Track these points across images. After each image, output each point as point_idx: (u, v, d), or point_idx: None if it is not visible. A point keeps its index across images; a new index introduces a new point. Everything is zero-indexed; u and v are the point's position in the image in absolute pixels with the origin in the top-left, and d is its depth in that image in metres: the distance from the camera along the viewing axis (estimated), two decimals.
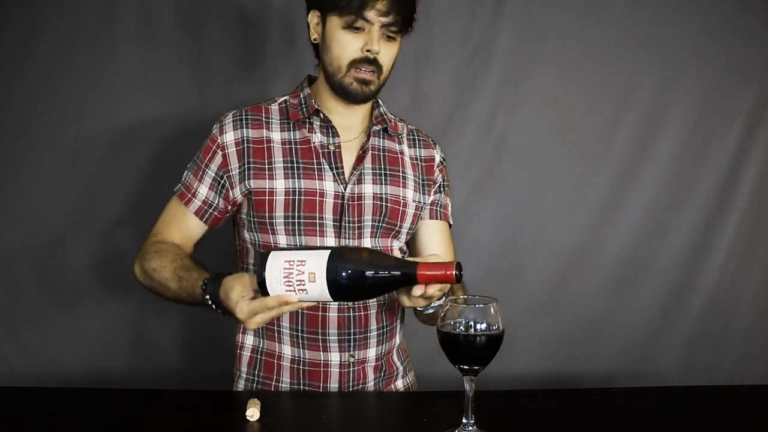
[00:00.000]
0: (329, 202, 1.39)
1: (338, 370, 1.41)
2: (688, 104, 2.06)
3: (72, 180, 1.91)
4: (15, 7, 1.86)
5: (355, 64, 1.36)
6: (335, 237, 1.39)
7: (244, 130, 1.41)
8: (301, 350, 1.41)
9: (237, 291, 1.17)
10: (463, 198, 1.98)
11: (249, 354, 1.46)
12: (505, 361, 1.83)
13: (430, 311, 1.26)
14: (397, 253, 1.47)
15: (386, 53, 1.37)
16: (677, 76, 2.06)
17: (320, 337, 1.40)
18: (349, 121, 1.46)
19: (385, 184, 1.44)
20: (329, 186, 1.40)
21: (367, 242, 1.42)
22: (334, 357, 1.41)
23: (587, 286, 2.07)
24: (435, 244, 1.51)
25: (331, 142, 1.42)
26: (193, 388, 1.54)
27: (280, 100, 1.47)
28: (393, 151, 1.49)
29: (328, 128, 1.43)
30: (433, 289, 1.12)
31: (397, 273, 1.09)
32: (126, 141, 1.92)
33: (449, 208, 1.56)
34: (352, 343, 1.41)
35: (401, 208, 1.45)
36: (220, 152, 1.41)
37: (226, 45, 1.94)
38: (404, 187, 1.47)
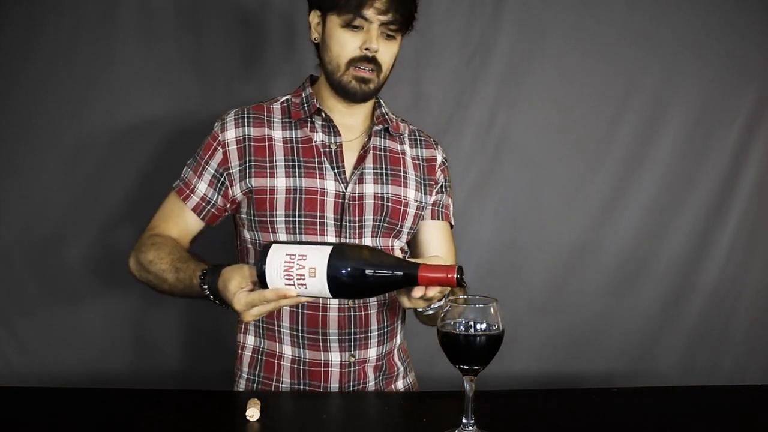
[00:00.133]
0: (330, 201, 1.39)
1: (339, 369, 1.41)
2: (688, 104, 2.07)
3: (72, 180, 1.91)
4: (15, 7, 1.87)
5: (354, 62, 1.36)
6: (336, 236, 1.39)
7: (246, 128, 1.41)
8: (302, 350, 1.41)
9: (235, 282, 1.17)
10: (463, 198, 1.98)
11: (250, 354, 1.46)
12: (505, 361, 1.83)
13: (430, 312, 1.26)
14: (399, 253, 1.47)
15: (385, 52, 1.37)
16: (677, 76, 2.06)
17: (320, 336, 1.40)
18: (351, 121, 1.46)
19: (387, 183, 1.44)
20: (330, 185, 1.40)
21: (367, 242, 1.42)
22: (335, 357, 1.41)
23: (587, 286, 2.07)
24: (436, 244, 1.51)
25: (332, 141, 1.43)
26: (193, 388, 1.54)
27: (281, 100, 1.47)
28: (394, 151, 1.49)
29: (330, 127, 1.43)
30: (434, 292, 1.12)
31: (398, 273, 1.09)
32: (126, 141, 1.92)
33: (451, 209, 1.56)
34: (352, 343, 1.41)
35: (402, 207, 1.45)
36: (221, 149, 1.41)
37: (227, 45, 1.94)
38: (405, 186, 1.47)
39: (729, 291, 2.10)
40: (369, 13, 1.33)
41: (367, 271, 1.09)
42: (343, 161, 1.42)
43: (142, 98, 1.91)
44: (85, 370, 1.94)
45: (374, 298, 1.43)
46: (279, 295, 1.12)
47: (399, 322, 1.51)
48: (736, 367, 2.12)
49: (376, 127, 1.47)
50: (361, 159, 1.44)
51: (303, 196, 1.38)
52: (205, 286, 1.24)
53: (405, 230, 1.47)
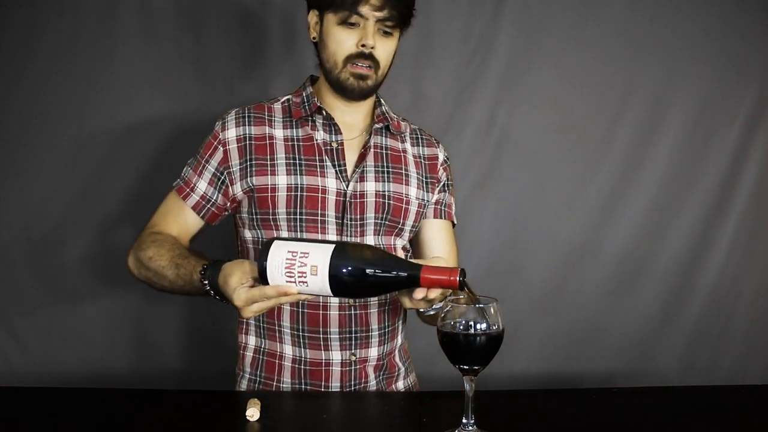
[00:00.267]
0: (331, 199, 1.39)
1: (340, 369, 1.41)
2: (688, 104, 2.07)
3: (72, 180, 1.91)
4: (15, 7, 1.87)
5: (351, 59, 1.37)
6: (337, 234, 1.39)
7: (247, 127, 1.42)
8: (303, 350, 1.41)
9: (236, 277, 1.17)
10: (463, 198, 1.98)
11: (252, 354, 1.46)
12: (505, 361, 1.83)
13: (431, 312, 1.26)
14: (401, 252, 1.47)
15: (382, 48, 1.38)
16: (677, 76, 2.06)
17: (321, 336, 1.40)
18: (351, 119, 1.46)
19: (388, 181, 1.45)
20: (331, 183, 1.40)
21: (369, 240, 1.42)
22: (336, 356, 1.41)
23: (587, 286, 2.07)
24: (438, 243, 1.52)
25: (333, 139, 1.43)
26: (193, 389, 1.54)
27: (282, 99, 1.48)
28: (396, 149, 1.49)
29: (331, 126, 1.43)
30: (435, 294, 1.12)
31: (401, 274, 1.09)
32: (126, 140, 1.92)
33: (453, 208, 1.56)
34: (353, 342, 1.41)
35: (404, 205, 1.45)
36: (221, 148, 1.41)
37: (227, 45, 1.94)
38: (407, 184, 1.47)
39: (729, 291, 2.10)
40: (365, 9, 1.34)
41: (369, 271, 1.08)
42: (344, 159, 1.42)
43: (142, 98, 1.91)
44: (85, 370, 1.94)
45: (375, 297, 1.43)
46: (280, 292, 1.12)
47: (400, 322, 1.51)
48: (736, 367, 2.11)
49: (377, 125, 1.47)
50: (362, 157, 1.44)
51: (304, 194, 1.38)
52: (206, 281, 1.23)
53: (407, 228, 1.47)
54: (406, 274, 1.08)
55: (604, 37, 2.04)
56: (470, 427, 1.09)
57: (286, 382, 1.42)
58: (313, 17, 1.42)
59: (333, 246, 1.10)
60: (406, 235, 1.48)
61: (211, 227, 1.47)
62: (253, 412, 1.16)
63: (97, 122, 1.91)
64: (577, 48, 2.04)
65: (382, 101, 1.51)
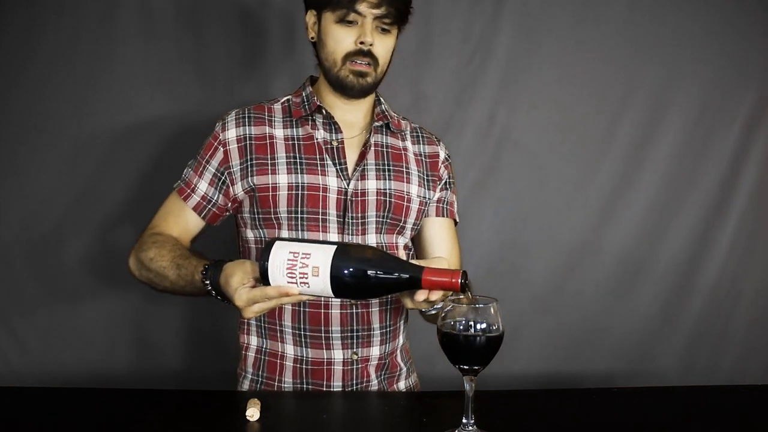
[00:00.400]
0: (332, 197, 1.39)
1: (341, 368, 1.41)
2: (688, 104, 2.07)
3: (72, 180, 1.91)
4: (15, 7, 1.87)
5: (349, 57, 1.37)
6: (339, 233, 1.39)
7: (247, 127, 1.42)
8: (304, 349, 1.41)
9: (237, 277, 1.17)
10: (463, 198, 1.98)
11: (253, 355, 1.46)
12: (505, 361, 1.84)
13: (433, 312, 1.26)
14: (402, 251, 1.47)
15: (381, 46, 1.38)
16: (677, 76, 2.06)
17: (323, 335, 1.40)
18: (351, 117, 1.46)
19: (389, 179, 1.45)
20: (332, 182, 1.40)
21: (371, 238, 1.42)
22: (337, 355, 1.41)
23: (587, 285, 2.07)
24: (440, 241, 1.52)
25: (334, 138, 1.43)
26: (193, 389, 1.54)
27: (282, 100, 1.48)
28: (396, 148, 1.49)
29: (331, 124, 1.44)
30: (437, 295, 1.12)
31: (402, 276, 1.09)
32: (126, 141, 1.92)
33: (455, 206, 1.56)
34: (355, 341, 1.41)
35: (405, 203, 1.45)
36: (222, 149, 1.41)
37: (227, 45, 1.94)
38: (408, 182, 1.47)
39: (729, 291, 2.10)
40: (362, 7, 1.34)
41: (370, 272, 1.08)
42: (344, 157, 1.42)
43: (142, 98, 1.91)
44: (85, 370, 1.94)
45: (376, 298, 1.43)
46: (281, 293, 1.12)
47: (402, 321, 1.51)
48: (736, 367, 2.12)
49: (377, 124, 1.47)
50: (362, 155, 1.44)
51: (305, 192, 1.38)
52: (207, 281, 1.24)
53: (408, 226, 1.47)
54: (407, 275, 1.08)
55: (604, 37, 2.04)
56: (470, 427, 1.09)
57: (288, 382, 1.42)
58: (311, 17, 1.42)
59: (335, 247, 1.10)
60: (408, 233, 1.48)
61: (212, 228, 1.47)
62: (253, 412, 1.16)
63: (97, 122, 1.91)
64: (577, 48, 2.04)
65: (382, 99, 1.51)
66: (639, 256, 2.08)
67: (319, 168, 1.40)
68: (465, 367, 1.08)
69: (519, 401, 1.36)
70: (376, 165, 1.44)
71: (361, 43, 1.35)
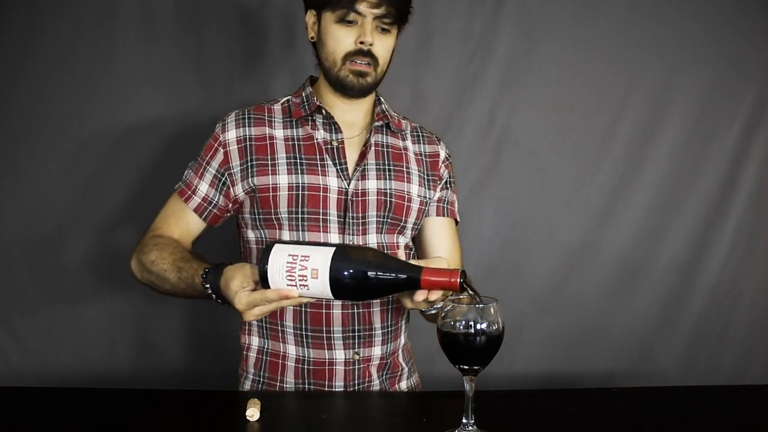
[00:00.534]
0: (333, 197, 1.39)
1: (343, 368, 1.41)
2: (688, 104, 2.06)
3: (72, 180, 1.91)
4: (15, 7, 1.87)
5: (349, 56, 1.37)
6: (339, 233, 1.39)
7: (247, 128, 1.42)
8: (306, 349, 1.41)
9: (237, 281, 1.17)
10: (463, 197, 1.98)
11: (255, 355, 1.46)
12: (505, 361, 1.84)
13: (433, 312, 1.26)
14: (403, 251, 1.47)
15: (381, 45, 1.38)
16: (677, 76, 2.06)
17: (324, 335, 1.40)
18: (351, 117, 1.46)
19: (389, 179, 1.45)
20: (332, 182, 1.40)
21: (372, 238, 1.42)
22: (339, 355, 1.41)
23: (587, 286, 2.07)
24: (441, 241, 1.52)
25: (334, 138, 1.43)
26: (194, 389, 1.54)
27: (282, 100, 1.48)
28: (396, 147, 1.49)
29: (331, 124, 1.44)
30: (436, 295, 1.12)
31: (401, 276, 1.09)
32: (126, 141, 1.92)
33: (456, 205, 1.56)
34: (356, 341, 1.42)
35: (406, 203, 1.45)
36: (222, 150, 1.41)
37: (227, 45, 1.94)
38: (409, 182, 1.47)
39: (729, 291, 2.10)
40: (362, 7, 1.34)
41: (369, 274, 1.09)
42: (345, 157, 1.42)
43: (142, 98, 1.91)
44: (85, 370, 1.94)
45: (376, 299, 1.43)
46: (281, 296, 1.12)
47: (403, 321, 1.51)
48: (736, 367, 2.11)
49: (377, 123, 1.47)
50: (363, 155, 1.44)
51: (306, 192, 1.38)
52: (207, 285, 1.24)
53: (409, 226, 1.47)
54: (406, 276, 1.09)
55: (604, 37, 2.04)
56: (470, 427, 1.09)
57: (290, 382, 1.42)
58: (311, 17, 1.42)
59: (333, 249, 1.10)
60: (409, 233, 1.48)
61: (213, 229, 1.48)
62: (253, 412, 1.16)
63: (97, 122, 1.91)
64: (577, 48, 2.03)
65: (382, 99, 1.51)
66: (639, 256, 2.08)
67: (319, 168, 1.40)
68: (465, 367, 1.08)
69: (519, 401, 1.36)
70: (376, 165, 1.44)
71: (361, 42, 1.36)
